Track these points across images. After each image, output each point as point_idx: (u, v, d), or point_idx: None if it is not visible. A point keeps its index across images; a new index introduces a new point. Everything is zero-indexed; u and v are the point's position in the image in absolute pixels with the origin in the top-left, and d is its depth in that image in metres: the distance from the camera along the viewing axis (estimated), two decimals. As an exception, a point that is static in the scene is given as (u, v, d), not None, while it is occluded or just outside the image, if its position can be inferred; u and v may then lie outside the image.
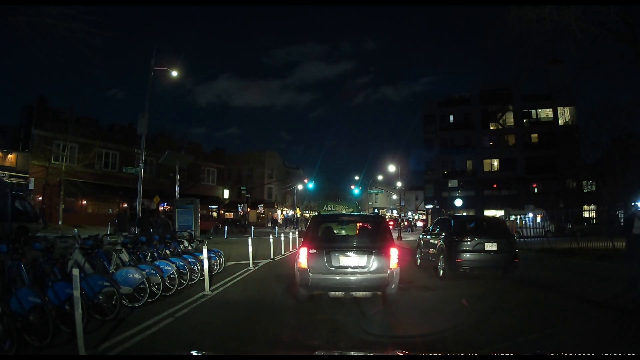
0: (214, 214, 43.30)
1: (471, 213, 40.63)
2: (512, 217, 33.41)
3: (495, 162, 49.27)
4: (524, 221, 33.41)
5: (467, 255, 9.73)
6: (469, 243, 9.81)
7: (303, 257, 6.72)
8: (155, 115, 52.74)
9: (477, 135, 49.03)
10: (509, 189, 46.71)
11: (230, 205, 48.39)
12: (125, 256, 7.41)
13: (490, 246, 9.79)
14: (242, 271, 10.87)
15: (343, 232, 9.66)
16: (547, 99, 45.16)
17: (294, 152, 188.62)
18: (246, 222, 40.34)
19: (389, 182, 53.37)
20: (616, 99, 47.58)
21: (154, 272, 6.92)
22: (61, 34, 7.56)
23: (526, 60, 9.36)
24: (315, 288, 6.75)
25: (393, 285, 6.78)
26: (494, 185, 47.58)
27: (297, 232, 15.39)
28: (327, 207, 21.70)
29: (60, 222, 27.94)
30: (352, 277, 6.65)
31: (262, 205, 54.96)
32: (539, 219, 32.84)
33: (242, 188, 41.65)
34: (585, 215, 42.75)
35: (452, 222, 11.01)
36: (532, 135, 47.67)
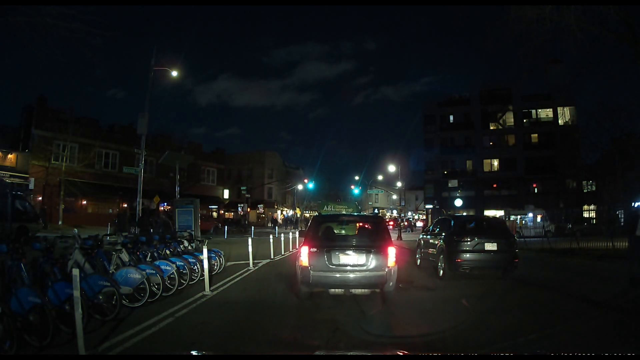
0: (214, 214, 43.30)
1: (471, 213, 40.62)
2: (512, 217, 33.39)
3: (495, 162, 49.26)
4: (524, 221, 33.39)
5: (467, 255, 9.73)
6: (469, 243, 9.81)
7: (304, 256, 6.94)
8: (155, 115, 52.62)
9: (477, 135, 49.02)
10: (509, 189, 46.71)
11: (230, 205, 48.39)
12: (125, 256, 7.41)
13: (490, 246, 9.79)
14: (242, 271, 10.87)
15: (343, 231, 9.75)
16: (547, 99, 45.14)
17: (294, 152, 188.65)
18: (246, 222, 40.34)
19: (389, 182, 53.37)
20: (616, 99, 47.58)
21: (154, 272, 6.92)
22: (61, 34, 7.56)
23: (526, 60, 9.37)
24: (316, 285, 6.96)
25: (391, 283, 6.98)
26: (494, 185, 47.58)
27: (297, 232, 15.42)
28: (327, 207, 21.82)
29: (60, 222, 27.93)
30: (352, 275, 6.90)
31: (262, 205, 54.98)
32: (539, 219, 32.82)
33: (242, 188, 41.62)
34: (585, 215, 42.74)
35: (452, 222, 11.00)
36: (532, 135, 47.66)
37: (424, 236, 12.84)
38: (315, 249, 6.97)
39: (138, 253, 7.99)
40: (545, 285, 9.15)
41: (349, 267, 6.93)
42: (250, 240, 12.66)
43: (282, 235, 18.49)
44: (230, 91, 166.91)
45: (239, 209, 47.48)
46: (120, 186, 33.40)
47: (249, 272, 10.91)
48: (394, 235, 28.07)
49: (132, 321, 5.62)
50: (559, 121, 45.44)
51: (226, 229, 30.38)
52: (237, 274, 10.39)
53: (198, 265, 8.70)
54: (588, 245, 15.95)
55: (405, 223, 47.94)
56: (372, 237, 7.50)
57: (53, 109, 31.48)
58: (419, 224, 51.83)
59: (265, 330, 5.46)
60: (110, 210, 34.51)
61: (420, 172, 54.12)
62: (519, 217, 33.87)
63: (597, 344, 4.94)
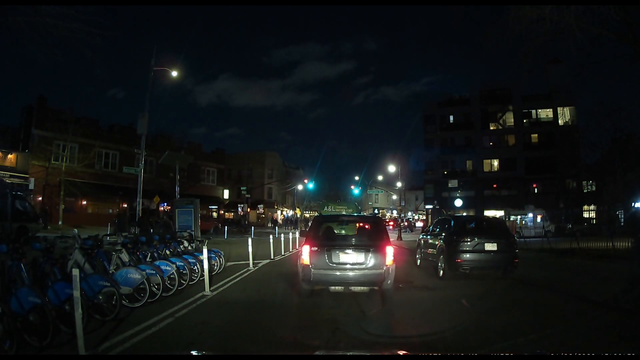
0: (214, 214, 43.29)
1: (471, 213, 40.62)
2: (512, 217, 33.38)
3: (495, 162, 49.24)
4: (524, 221, 33.39)
5: (467, 255, 9.73)
6: (469, 243, 9.81)
7: (306, 254, 7.22)
8: (156, 116, 52.81)
9: (477, 136, 49.00)
10: (509, 189, 46.69)
11: (230, 205, 48.39)
12: (125, 256, 7.41)
13: (490, 246, 9.79)
14: (242, 271, 10.87)
15: (343, 231, 9.89)
16: (547, 99, 45.18)
17: (294, 152, 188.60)
18: (246, 223, 40.33)
19: (389, 182, 53.35)
20: (616, 99, 47.61)
21: (154, 272, 6.92)
22: (61, 34, 7.55)
23: (526, 60, 9.34)
24: (316, 283, 7.23)
25: (389, 281, 7.20)
26: (494, 186, 47.57)
27: (297, 233, 15.48)
28: (327, 208, 21.95)
29: (60, 222, 27.93)
30: (351, 273, 7.16)
31: (262, 206, 54.96)
32: (539, 219, 32.80)
33: (242, 188, 41.60)
34: (585, 215, 42.71)
35: (452, 222, 11.01)
36: (532, 135, 47.63)
37: (424, 236, 12.84)
38: (316, 248, 7.23)
39: (138, 253, 8.00)
40: (545, 285, 9.14)
41: (348, 266, 7.17)
42: (250, 240, 12.66)
43: (282, 235, 18.49)
44: (231, 91, 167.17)
45: (239, 209, 47.48)
46: (120, 186, 33.40)
47: (249, 272, 10.91)
48: (394, 236, 28.13)
49: (132, 321, 5.62)
50: (559, 121, 45.42)
51: (226, 229, 30.38)
52: (237, 274, 10.39)
53: (198, 266, 8.70)
54: (588, 245, 15.94)
55: (405, 223, 47.94)
56: (371, 236, 7.76)
57: (53, 109, 31.47)
58: (419, 224, 51.83)
59: (265, 330, 5.46)
60: (110, 211, 34.51)
61: (420, 172, 54.20)
62: (519, 217, 33.86)
63: (597, 344, 4.94)
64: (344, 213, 18.08)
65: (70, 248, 6.79)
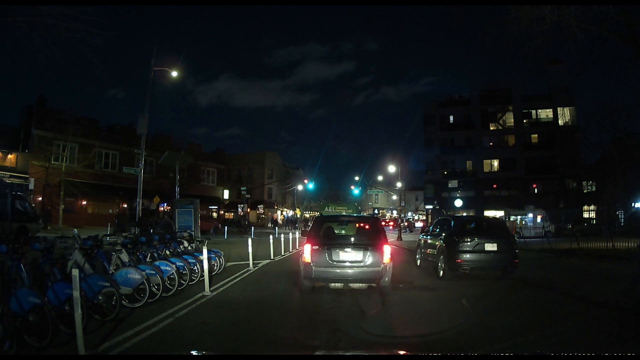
0: (214, 214, 43.30)
1: (471, 213, 40.64)
2: (512, 218, 33.43)
3: (495, 163, 49.23)
4: (524, 221, 33.41)
5: (467, 256, 9.73)
6: (469, 243, 9.81)
7: (307, 253, 7.60)
8: (156, 116, 52.77)
9: (477, 136, 48.99)
10: (509, 189, 46.68)
11: (230, 205, 48.37)
12: (125, 256, 7.40)
13: (490, 246, 9.79)
14: (242, 271, 10.86)
15: (343, 231, 10.03)
16: (547, 99, 45.16)
17: (294, 152, 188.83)
18: (246, 223, 40.31)
19: (389, 183, 53.39)
20: (616, 99, 47.52)
21: (154, 272, 6.91)
22: (61, 34, 7.54)
23: (526, 60, 9.35)
24: (317, 279, 7.60)
25: (386, 278, 7.56)
26: (494, 186, 47.56)
27: (297, 233, 15.54)
28: (328, 208, 22.14)
29: (60, 223, 27.92)
30: (350, 270, 7.53)
31: (262, 206, 54.96)
32: (539, 219, 32.84)
33: (242, 188, 41.60)
34: (585, 215, 42.74)
35: (452, 222, 11.01)
36: (532, 135, 47.63)
37: (424, 236, 12.84)
38: (317, 247, 7.59)
39: (138, 253, 7.99)
40: (545, 286, 9.15)
41: (347, 263, 7.52)
42: (250, 240, 12.65)
43: (282, 235, 18.49)
44: (231, 91, 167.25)
45: (239, 210, 47.46)
46: (120, 186, 33.40)
47: (248, 272, 10.90)
48: (394, 236, 28.14)
49: (131, 321, 5.61)
50: (559, 121, 45.39)
51: (226, 229, 30.37)
52: (237, 274, 10.38)
53: (198, 266, 8.70)
54: (588, 245, 15.94)
55: (406, 223, 47.94)
56: (369, 236, 8.15)
57: (53, 109, 31.42)
58: (419, 224, 51.83)
59: (265, 330, 5.46)
60: (110, 211, 34.50)
61: (420, 172, 54.22)
62: (519, 217, 33.91)
63: (597, 344, 4.93)
64: (344, 213, 18.21)
65: (70, 248, 6.79)
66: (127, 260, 7.34)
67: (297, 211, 58.72)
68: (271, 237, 17.28)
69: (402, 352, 3.09)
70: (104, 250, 7.46)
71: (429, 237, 12.13)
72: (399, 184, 38.71)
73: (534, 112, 47.63)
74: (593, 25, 8.33)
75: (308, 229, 9.78)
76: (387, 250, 7.62)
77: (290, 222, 48.90)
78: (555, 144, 42.37)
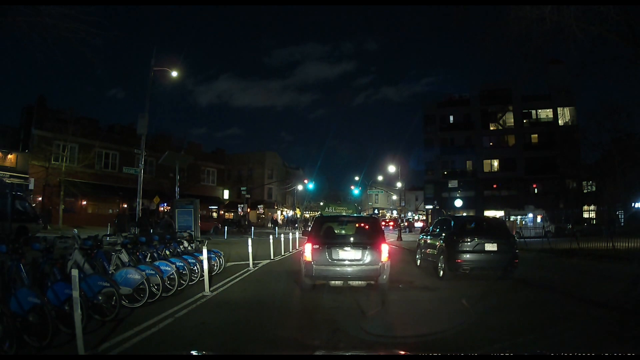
0: (214, 214, 43.28)
1: (471, 213, 40.61)
2: (512, 218, 33.41)
3: (495, 163, 49.21)
4: (524, 221, 33.39)
5: (467, 256, 9.73)
6: (469, 243, 9.81)
7: (308, 252, 7.83)
8: (156, 116, 52.76)
9: (477, 136, 48.96)
10: (509, 189, 46.64)
11: (230, 205, 48.37)
12: (124, 257, 7.40)
13: (490, 247, 9.79)
14: (242, 272, 10.86)
15: (342, 230, 10.11)
16: (547, 99, 45.12)
17: (294, 152, 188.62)
18: (246, 223, 40.32)
19: (389, 183, 53.35)
20: (616, 99, 47.53)
21: (154, 272, 6.91)
22: (61, 34, 7.53)
23: (526, 60, 9.33)
24: (318, 277, 7.82)
25: (385, 276, 7.76)
26: (494, 186, 47.52)
27: (297, 233, 15.58)
28: (328, 208, 22.19)
29: (60, 223, 27.91)
30: (349, 268, 7.76)
31: (262, 206, 54.94)
32: (539, 219, 32.83)
33: (242, 188, 41.59)
34: (585, 215, 42.74)
35: (452, 222, 11.01)
36: (532, 135, 47.59)
37: (424, 236, 12.84)
38: (317, 246, 7.82)
39: (138, 253, 7.99)
40: (545, 286, 9.14)
41: (347, 262, 7.77)
42: (250, 240, 12.64)
43: (282, 235, 18.49)
44: (231, 91, 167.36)
45: (239, 210, 47.46)
46: (120, 186, 33.40)
47: (248, 272, 10.90)
48: (394, 236, 28.14)
49: (131, 322, 5.61)
50: (559, 121, 45.36)
51: (226, 229, 30.34)
52: (237, 274, 10.38)
53: (198, 266, 8.70)
54: (588, 245, 15.92)
55: (406, 223, 47.91)
56: (368, 235, 8.38)
57: (53, 109, 31.45)
58: (419, 224, 51.81)
59: (265, 330, 5.46)
60: (110, 211, 34.50)
61: (420, 172, 54.16)
62: (519, 217, 33.89)
63: (597, 344, 4.93)
64: (344, 214, 18.28)
65: (70, 248, 6.79)
66: (127, 261, 7.34)
67: (297, 211, 58.71)
68: (271, 237, 17.27)
69: (402, 352, 3.09)
70: (103, 251, 7.47)
71: (429, 237, 12.13)
72: (399, 184, 38.68)
73: (534, 112, 47.59)
74: (593, 25, 8.33)
75: (308, 229, 9.89)
76: (385, 249, 7.82)
77: (290, 222, 48.89)
78: (555, 144, 42.37)
